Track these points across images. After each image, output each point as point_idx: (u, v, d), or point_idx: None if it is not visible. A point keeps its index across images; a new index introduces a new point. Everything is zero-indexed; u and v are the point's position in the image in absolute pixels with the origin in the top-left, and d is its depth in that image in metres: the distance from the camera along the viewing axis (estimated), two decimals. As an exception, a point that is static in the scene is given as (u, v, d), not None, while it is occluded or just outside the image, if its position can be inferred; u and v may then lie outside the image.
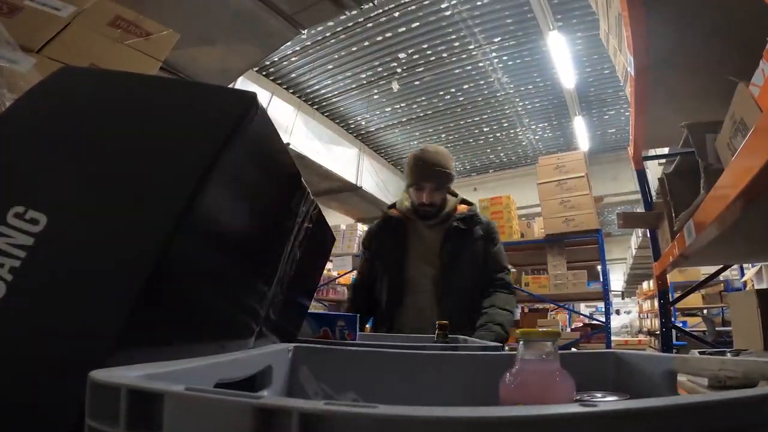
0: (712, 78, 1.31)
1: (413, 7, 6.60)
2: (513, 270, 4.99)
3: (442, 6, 6.61)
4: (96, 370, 0.33)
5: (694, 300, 9.12)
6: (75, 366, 0.37)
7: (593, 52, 7.46)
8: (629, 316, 14.75)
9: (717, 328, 6.83)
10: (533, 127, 10.20)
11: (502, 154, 11.51)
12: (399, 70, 8.05)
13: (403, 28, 7.02)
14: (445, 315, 1.59)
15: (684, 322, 8.52)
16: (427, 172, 1.79)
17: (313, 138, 8.52)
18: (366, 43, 7.35)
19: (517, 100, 9.09)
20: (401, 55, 7.66)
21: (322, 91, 8.61)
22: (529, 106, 9.39)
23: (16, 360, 0.39)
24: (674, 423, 0.27)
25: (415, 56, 7.73)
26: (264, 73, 7.72)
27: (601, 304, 5.72)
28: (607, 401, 0.57)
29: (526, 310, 6.24)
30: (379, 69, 8.05)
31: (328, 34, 7.04)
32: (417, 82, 8.46)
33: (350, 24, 6.87)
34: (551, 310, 6.28)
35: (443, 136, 10.42)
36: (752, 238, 1.37)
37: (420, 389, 0.65)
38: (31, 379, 0.39)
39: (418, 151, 1.86)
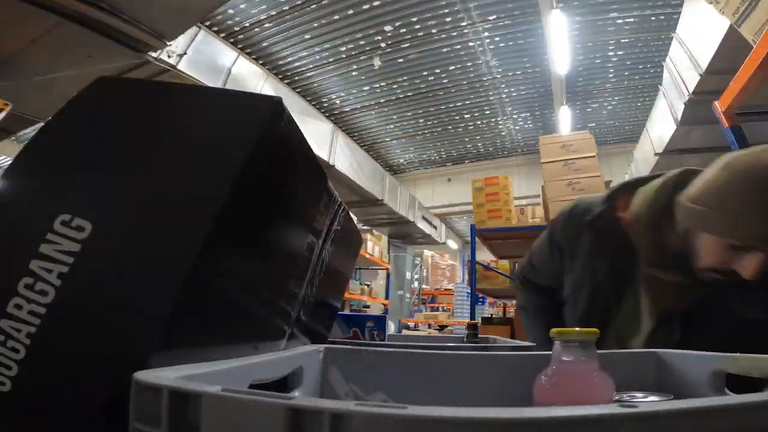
0: None
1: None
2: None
3: (439, -25, 6.01)
4: (140, 371, 0.34)
5: None
6: (120, 368, 0.38)
7: (588, 39, 7.07)
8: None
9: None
10: (515, 116, 9.72)
11: (479, 144, 11.06)
12: (383, 44, 7.31)
13: (393, -3, 6.24)
14: None
15: None
16: None
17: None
18: (350, 12, 6.55)
19: (503, 86, 8.64)
20: (387, 28, 6.94)
21: (296, 64, 7.73)
22: (514, 93, 8.94)
23: (66, 362, 0.41)
24: (719, 424, 0.26)
25: (402, 30, 7.01)
26: (231, 40, 6.73)
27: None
28: (649, 401, 0.55)
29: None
30: (362, 42, 7.26)
31: (309, -1, 6.20)
32: (401, 60, 7.74)
33: (335, -12, 6.07)
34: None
35: (421, 121, 9.88)
36: None
37: (450, 390, 0.64)
38: (80, 381, 0.41)
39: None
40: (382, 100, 9.10)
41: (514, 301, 6.10)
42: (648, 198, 1.03)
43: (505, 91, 8.89)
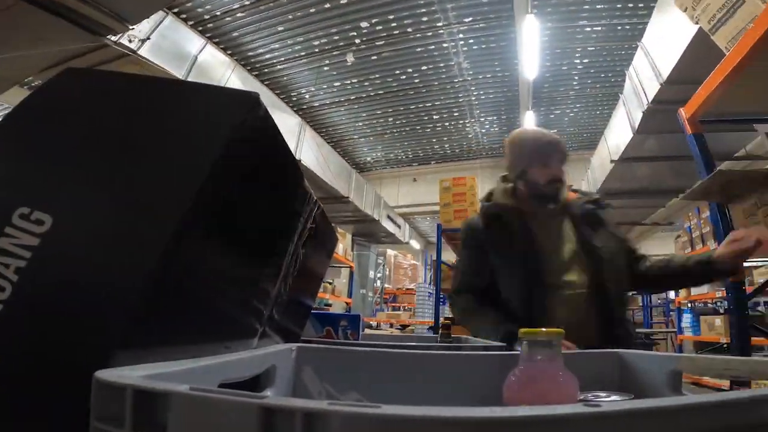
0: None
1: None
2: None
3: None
4: (101, 370, 0.33)
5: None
6: (79, 366, 0.37)
7: (557, 46, 7.31)
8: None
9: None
10: (482, 119, 9.95)
11: (446, 146, 11.27)
12: (357, 41, 7.28)
13: (372, -7, 6.25)
14: (602, 320, 1.44)
15: None
16: (554, 145, 1.59)
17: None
18: (327, 5, 6.51)
19: (473, 88, 8.82)
20: (363, 24, 6.91)
21: (267, 56, 7.65)
22: (483, 97, 9.13)
23: (21, 360, 0.40)
24: (678, 423, 0.27)
25: (378, 27, 7.00)
26: (200, 28, 6.56)
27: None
28: (611, 401, 0.57)
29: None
30: (336, 37, 7.22)
31: (286, -10, 6.09)
32: (374, 57, 7.72)
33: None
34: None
35: (390, 119, 9.95)
36: None
37: (423, 389, 0.65)
38: (35, 379, 0.39)
39: (523, 131, 1.72)
40: (352, 97, 9.07)
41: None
42: (499, 188, 1.69)
43: (475, 93, 9.03)
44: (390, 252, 11.95)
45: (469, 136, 10.72)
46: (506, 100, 9.23)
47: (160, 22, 5.03)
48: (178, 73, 5.35)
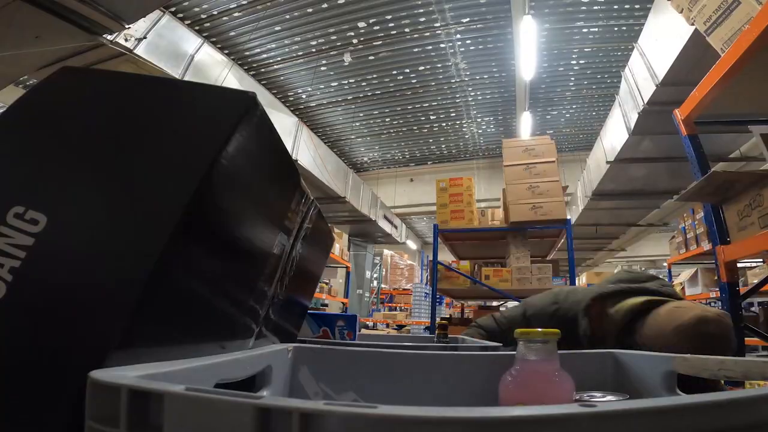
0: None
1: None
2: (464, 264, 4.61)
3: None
4: (96, 370, 0.33)
5: None
6: (75, 366, 0.37)
7: (554, 47, 7.33)
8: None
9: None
10: (479, 120, 9.93)
11: (443, 146, 11.25)
12: (355, 41, 7.23)
13: (370, -7, 6.17)
14: None
15: None
16: None
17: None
18: (324, 5, 6.47)
19: (470, 89, 8.80)
20: (360, 24, 6.85)
21: (264, 56, 7.61)
22: (480, 97, 9.10)
23: (16, 360, 0.39)
24: (673, 423, 0.27)
25: (376, 27, 6.95)
26: (197, 27, 6.53)
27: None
28: (606, 401, 0.57)
29: (475, 307, 5.66)
30: (333, 37, 7.18)
31: (283, -11, 6.00)
32: (371, 57, 7.66)
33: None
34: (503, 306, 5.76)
35: (387, 120, 9.93)
36: None
37: (420, 389, 0.65)
38: (31, 379, 0.39)
39: None
40: (349, 97, 9.05)
41: (471, 302, 6.21)
42: (616, 320, 1.35)
43: (472, 94, 9.04)
44: (386, 252, 11.97)
45: (466, 136, 10.73)
46: (503, 101, 9.24)
47: (157, 21, 5.01)
48: (175, 73, 5.32)
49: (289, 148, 7.59)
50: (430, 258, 4.62)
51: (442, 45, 7.48)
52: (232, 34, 7.01)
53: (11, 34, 3.77)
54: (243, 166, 0.52)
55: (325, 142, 9.76)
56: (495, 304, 5.89)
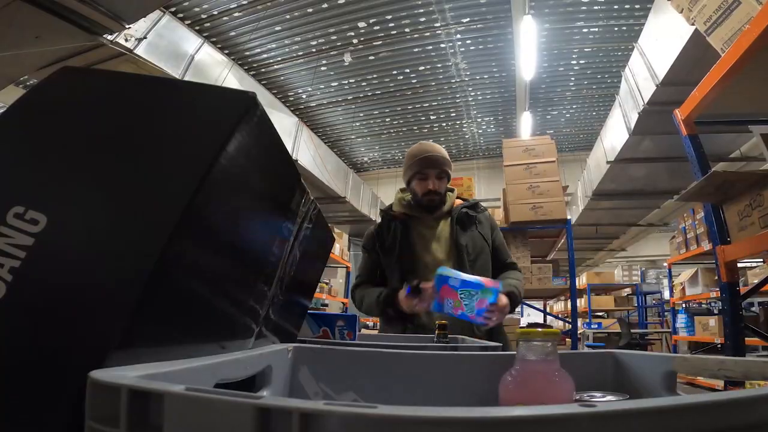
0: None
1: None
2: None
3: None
4: (96, 370, 0.33)
5: (606, 302, 9.30)
6: (75, 366, 0.37)
7: (554, 47, 7.36)
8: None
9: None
10: (479, 119, 9.98)
11: (443, 146, 11.37)
12: (355, 41, 7.31)
13: (370, -7, 6.30)
14: None
15: (599, 324, 8.64)
16: (431, 160, 1.82)
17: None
18: (324, 5, 6.53)
19: (470, 89, 8.86)
20: (361, 24, 6.93)
21: (264, 56, 7.67)
22: (480, 97, 9.16)
23: (16, 360, 0.39)
24: (673, 423, 0.27)
25: (376, 27, 7.03)
26: (197, 27, 6.55)
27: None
28: (606, 401, 0.57)
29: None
30: (333, 37, 7.26)
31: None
32: (372, 57, 7.76)
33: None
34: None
35: (388, 120, 9.99)
36: None
37: (420, 389, 0.65)
38: (31, 379, 0.39)
39: (416, 145, 1.91)
40: (349, 97, 9.09)
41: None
42: (397, 196, 1.97)
43: (472, 94, 9.05)
44: (386, 252, 11.95)
45: (466, 136, 10.75)
46: (503, 101, 9.25)
47: (157, 22, 5.02)
48: (175, 73, 5.33)
49: (289, 148, 7.57)
50: (431, 258, 4.62)
51: (443, 45, 7.51)
52: (233, 34, 7.03)
53: (11, 34, 3.78)
54: (243, 166, 0.52)
55: (325, 142, 9.80)
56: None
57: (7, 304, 0.40)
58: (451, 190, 1.95)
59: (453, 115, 9.84)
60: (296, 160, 7.75)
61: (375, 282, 1.88)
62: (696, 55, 3.76)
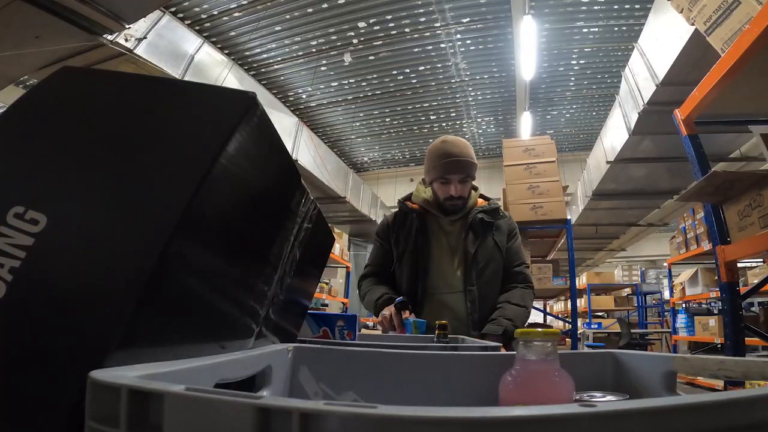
0: None
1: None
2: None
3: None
4: (96, 370, 0.33)
5: (606, 302, 9.32)
6: (75, 366, 0.37)
7: (554, 47, 7.39)
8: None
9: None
10: (479, 119, 10.01)
11: (445, 146, 11.39)
12: (355, 41, 7.36)
13: (370, -7, 6.36)
14: (473, 311, 1.62)
15: (599, 324, 8.66)
16: (455, 165, 1.71)
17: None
18: (324, 5, 6.57)
19: (470, 89, 8.88)
20: (361, 24, 6.98)
21: (264, 56, 7.72)
22: (480, 97, 9.18)
23: (16, 360, 0.39)
24: (673, 423, 0.27)
25: (376, 27, 7.08)
26: (197, 27, 6.56)
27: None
28: (606, 401, 0.57)
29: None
30: (334, 37, 7.30)
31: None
32: (372, 57, 7.82)
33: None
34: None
35: (388, 120, 10.01)
36: None
37: (420, 389, 0.65)
38: (31, 379, 0.39)
39: (440, 143, 1.78)
40: (349, 97, 9.11)
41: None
42: (419, 188, 1.88)
43: (472, 94, 9.06)
44: (386, 252, 11.96)
45: (466, 136, 10.76)
46: (503, 101, 9.26)
47: (157, 21, 5.02)
48: (175, 73, 5.34)
49: (289, 148, 7.58)
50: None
51: (443, 45, 7.52)
52: (233, 34, 7.05)
53: (11, 34, 3.79)
54: (243, 166, 0.52)
55: (325, 142, 9.82)
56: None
57: (7, 304, 0.40)
58: (475, 188, 1.88)
59: (453, 115, 9.85)
60: (296, 160, 7.74)
61: (385, 275, 1.82)
62: (696, 55, 3.77)
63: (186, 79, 5.36)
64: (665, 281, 9.22)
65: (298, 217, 0.73)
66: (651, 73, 4.73)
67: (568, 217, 4.41)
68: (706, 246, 4.93)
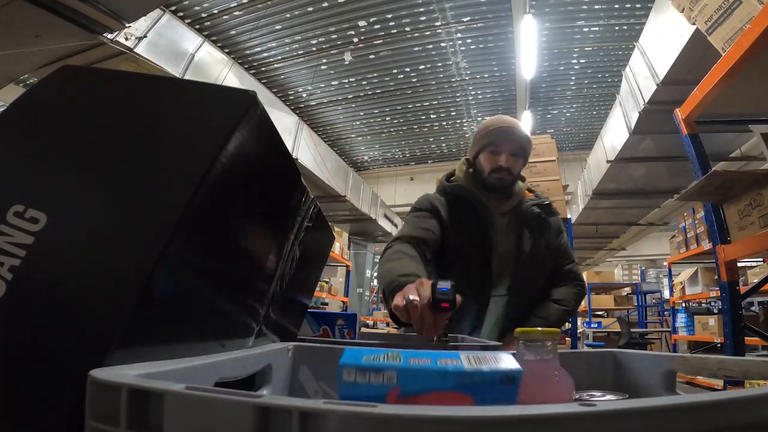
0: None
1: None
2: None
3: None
4: (96, 369, 0.33)
5: (606, 301, 9.34)
6: (75, 365, 0.37)
7: (554, 46, 7.39)
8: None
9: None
10: (479, 118, 9.96)
11: (443, 145, 11.33)
12: (355, 39, 7.32)
13: (370, -8, 6.33)
14: (513, 314, 1.44)
15: (599, 323, 8.66)
16: (508, 132, 1.49)
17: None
18: (325, 4, 6.53)
19: (470, 88, 8.86)
20: (361, 23, 6.94)
21: (264, 54, 7.66)
22: (480, 96, 9.17)
23: (16, 359, 0.39)
24: (673, 422, 0.27)
25: (376, 26, 7.04)
26: (197, 26, 6.53)
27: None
28: (606, 400, 0.57)
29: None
30: (334, 36, 7.26)
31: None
32: (372, 56, 7.78)
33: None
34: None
35: (388, 119, 10.00)
36: None
37: (419, 388, 0.65)
38: (31, 378, 0.39)
39: (493, 117, 1.58)
40: (350, 96, 9.10)
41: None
42: (460, 167, 1.66)
43: (472, 93, 9.06)
44: (387, 251, 11.97)
45: (467, 135, 10.75)
46: (503, 100, 9.25)
47: (158, 20, 5.01)
48: (175, 72, 5.33)
49: (289, 146, 7.53)
50: (430, 257, 4.63)
51: (443, 44, 7.52)
52: (233, 32, 7.04)
53: (11, 33, 3.78)
54: (243, 165, 0.52)
55: (325, 141, 9.80)
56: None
57: (8, 303, 0.40)
58: (522, 179, 1.65)
59: (453, 114, 9.85)
60: (296, 159, 7.68)
61: (427, 239, 1.39)
62: (697, 55, 3.76)
63: (186, 78, 5.36)
64: (665, 280, 9.23)
65: (298, 215, 0.73)
66: (651, 73, 4.73)
67: (569, 216, 4.41)
68: (706, 245, 4.93)
